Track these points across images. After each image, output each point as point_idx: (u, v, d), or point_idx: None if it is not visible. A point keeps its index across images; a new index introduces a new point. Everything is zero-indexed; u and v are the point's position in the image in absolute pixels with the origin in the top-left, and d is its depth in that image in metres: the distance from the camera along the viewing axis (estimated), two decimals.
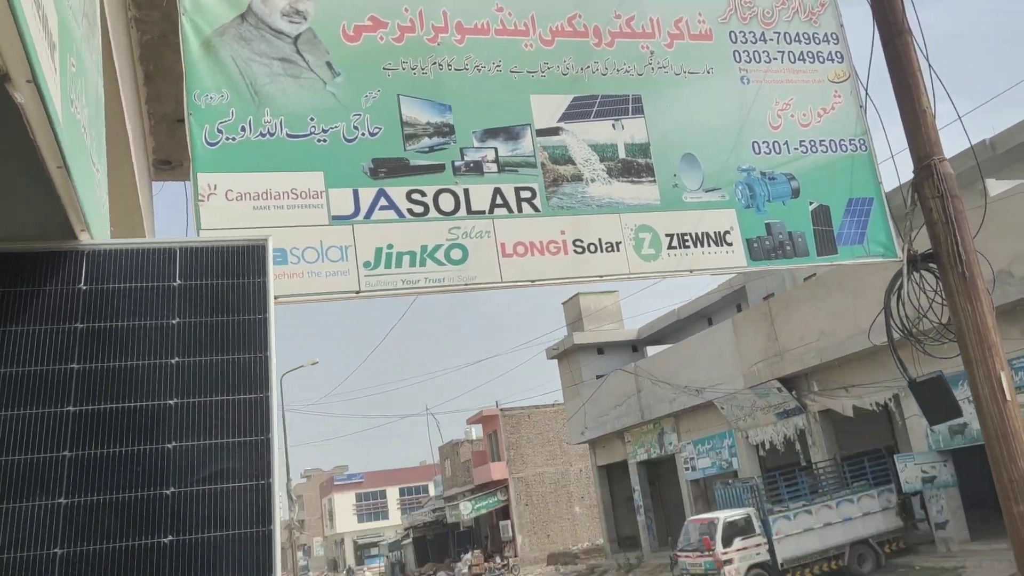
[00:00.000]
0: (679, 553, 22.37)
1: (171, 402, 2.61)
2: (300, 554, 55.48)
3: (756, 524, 21.27)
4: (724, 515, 21.65)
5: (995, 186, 19.05)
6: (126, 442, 2.49)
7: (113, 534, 2.33)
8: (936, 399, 4.67)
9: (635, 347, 38.80)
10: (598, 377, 36.64)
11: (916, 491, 21.37)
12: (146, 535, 2.36)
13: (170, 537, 2.37)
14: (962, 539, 20.34)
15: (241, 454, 2.54)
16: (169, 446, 2.52)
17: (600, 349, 38.65)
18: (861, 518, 21.59)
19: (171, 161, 7.63)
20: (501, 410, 47.44)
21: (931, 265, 4.74)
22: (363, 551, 65.61)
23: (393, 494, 77.14)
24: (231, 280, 2.82)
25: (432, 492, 64.71)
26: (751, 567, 20.78)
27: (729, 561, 20.65)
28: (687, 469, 30.80)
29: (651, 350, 36.80)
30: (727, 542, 20.88)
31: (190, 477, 2.47)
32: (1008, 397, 4.05)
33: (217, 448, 2.54)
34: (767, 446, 26.46)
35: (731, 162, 5.22)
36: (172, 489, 2.46)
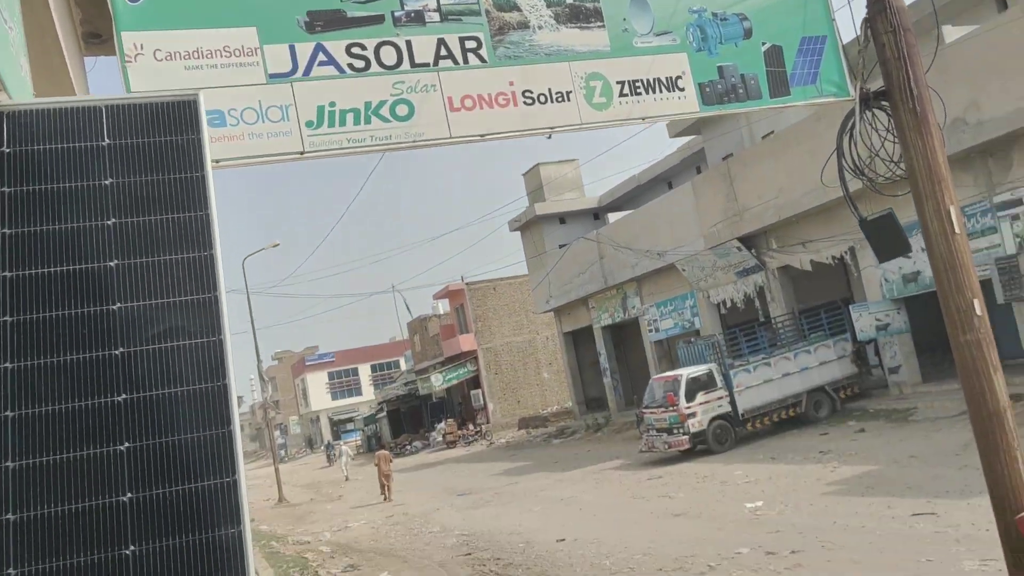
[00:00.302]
0: (645, 410, 23.19)
1: (112, 264, 2.54)
2: (277, 433, 56.67)
3: (718, 379, 22.04)
4: (687, 372, 22.38)
5: (952, 32, 18.88)
6: (68, 305, 2.43)
7: (64, 395, 2.31)
8: (886, 236, 4.75)
9: (596, 215, 38.97)
10: (561, 247, 36.92)
11: (870, 339, 22.17)
12: (99, 395, 2.35)
13: (124, 395, 2.36)
14: (914, 382, 21.29)
15: (189, 312, 2.51)
16: (114, 307, 2.48)
17: (562, 219, 38.78)
18: (818, 367, 22.45)
19: (101, 34, 7.23)
20: (467, 284, 47.83)
21: (883, 103, 4.72)
22: (339, 427, 67.23)
23: (365, 371, 78.52)
24: (163, 138, 2.70)
25: (403, 366, 65.90)
26: (713, 419, 21.68)
27: (692, 414, 21.50)
28: (650, 331, 31.57)
29: (612, 217, 36.96)
30: (690, 397, 21.67)
31: (139, 337, 2.44)
32: (956, 230, 4.13)
33: (164, 307, 2.50)
34: (727, 304, 27.12)
35: (682, 3, 5.04)
36: (121, 349, 2.43)
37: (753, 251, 25.11)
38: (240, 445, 2.34)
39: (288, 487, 35.50)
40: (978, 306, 4.00)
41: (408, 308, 73.11)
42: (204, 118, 2.76)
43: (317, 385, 78.78)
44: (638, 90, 4.80)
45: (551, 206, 38.48)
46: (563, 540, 14.60)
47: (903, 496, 12.61)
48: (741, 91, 4.96)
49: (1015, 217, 17.71)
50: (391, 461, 27.98)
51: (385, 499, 26.02)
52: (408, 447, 48.12)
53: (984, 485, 12.16)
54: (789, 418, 22.15)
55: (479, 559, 14.49)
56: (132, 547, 2.16)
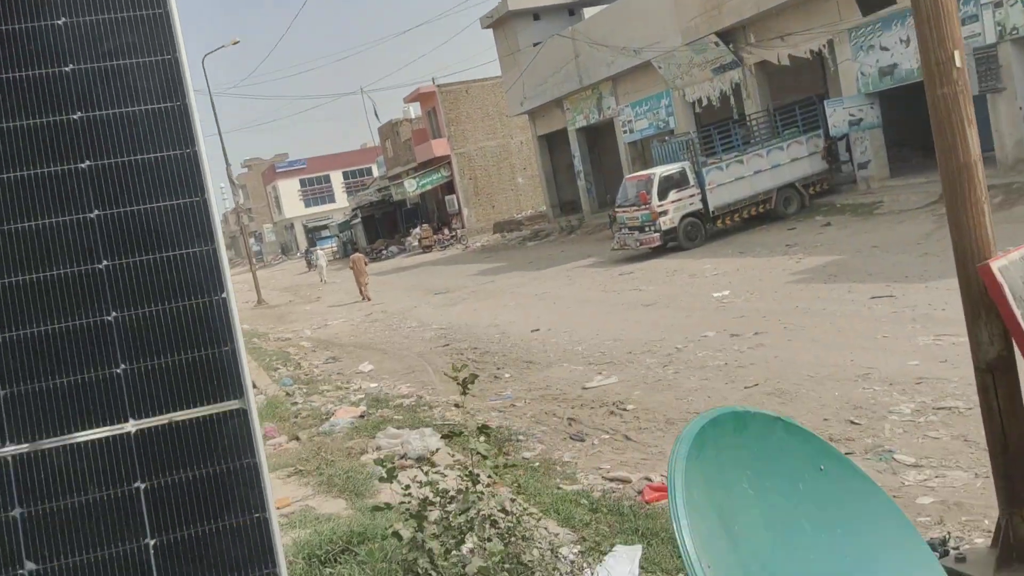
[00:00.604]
0: (618, 209, 23.38)
1: None
2: (252, 240, 56.83)
3: (690, 176, 22.12)
4: (660, 170, 22.39)
5: None
6: (3, 21, 2.26)
7: (13, 114, 2.19)
8: None
9: (572, 10, 37.40)
10: (535, 45, 35.69)
11: (843, 134, 22.14)
12: (50, 113, 2.21)
13: (79, 113, 2.25)
14: (882, 176, 21.48)
15: (139, 27, 2.33)
16: (59, 22, 2.31)
17: (536, 15, 37.20)
18: (789, 164, 22.51)
19: None
20: (438, 86, 46.54)
21: None
22: (313, 234, 67.37)
23: (337, 178, 77.80)
24: None
25: (376, 173, 65.33)
26: (684, 216, 21.95)
27: (664, 212, 21.73)
28: (625, 132, 31.24)
29: (588, 12, 35.52)
30: (662, 195, 21.82)
31: (87, 54, 2.27)
32: None
33: (111, 23, 2.32)
34: (703, 103, 26.72)
35: None
36: (72, 66, 2.28)
37: (731, 46, 24.44)
38: (207, 166, 2.28)
39: (266, 291, 36.07)
40: (958, 58, 3.92)
41: (376, 114, 71.36)
42: None
43: (289, 192, 78.21)
44: None
45: (525, 0, 36.78)
46: (537, 330, 15.12)
47: (864, 282, 13.05)
48: None
49: (998, 4, 17.21)
50: (367, 264, 28.37)
51: (363, 299, 26.57)
52: (384, 252, 48.61)
53: (942, 270, 12.59)
54: (758, 214, 22.47)
55: (457, 349, 15.03)
56: (105, 261, 2.15)
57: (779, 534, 3.56)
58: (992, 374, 3.94)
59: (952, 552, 4.39)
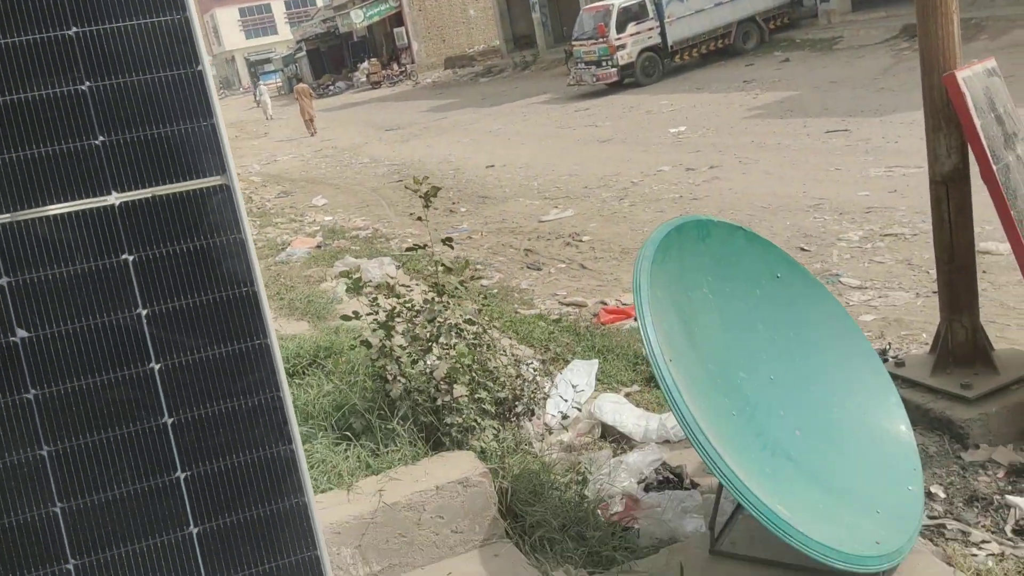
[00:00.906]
0: (574, 43, 22.79)
1: None
2: None
3: (650, 9, 21.52)
4: (618, 1, 21.70)
5: None
6: None
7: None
8: None
9: None
10: None
11: None
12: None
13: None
14: (843, 11, 21.15)
15: None
16: None
17: None
18: None
19: None
20: None
21: None
22: (256, 68, 64.51)
23: (279, 7, 73.80)
24: None
25: (320, 3, 62.13)
26: (642, 51, 21.51)
27: (622, 46, 21.25)
28: None
29: None
30: (621, 28, 21.26)
31: None
32: None
33: None
34: None
35: None
36: None
37: None
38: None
39: None
40: None
41: None
42: None
43: (228, 23, 74.23)
44: None
45: None
46: (492, 166, 15.03)
47: (819, 116, 13.10)
48: None
49: None
50: (312, 97, 27.51)
51: (312, 134, 25.97)
52: (331, 88, 47.03)
53: (897, 104, 12.65)
54: (717, 50, 22.10)
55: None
56: (75, 28, 2.03)
57: (735, 335, 3.74)
58: (946, 186, 4.05)
59: (892, 359, 4.67)
